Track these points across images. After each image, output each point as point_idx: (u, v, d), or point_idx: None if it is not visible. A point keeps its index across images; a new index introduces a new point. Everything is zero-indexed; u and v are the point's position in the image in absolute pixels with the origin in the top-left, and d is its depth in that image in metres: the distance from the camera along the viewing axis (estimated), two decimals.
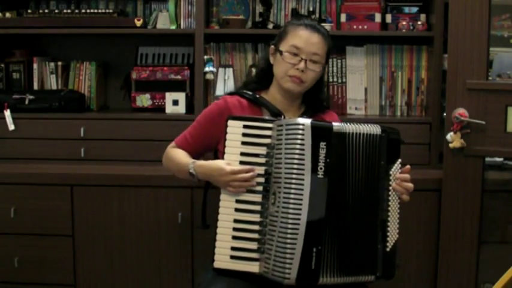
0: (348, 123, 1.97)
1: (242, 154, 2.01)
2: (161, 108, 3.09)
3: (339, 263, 1.93)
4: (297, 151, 1.88)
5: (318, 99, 2.26)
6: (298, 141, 1.88)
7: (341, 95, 3.08)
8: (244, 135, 2.01)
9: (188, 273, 2.85)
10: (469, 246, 2.71)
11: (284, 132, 1.93)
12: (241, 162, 2.00)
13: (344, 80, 3.08)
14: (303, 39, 2.13)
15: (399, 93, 3.07)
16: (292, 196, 1.88)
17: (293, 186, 1.88)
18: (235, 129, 2.02)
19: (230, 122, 2.03)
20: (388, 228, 1.99)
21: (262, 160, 1.99)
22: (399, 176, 2.01)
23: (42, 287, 2.89)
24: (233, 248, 1.98)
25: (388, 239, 1.99)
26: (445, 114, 2.71)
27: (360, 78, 3.07)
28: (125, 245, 2.86)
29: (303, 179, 1.88)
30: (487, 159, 2.79)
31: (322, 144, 1.89)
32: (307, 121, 1.90)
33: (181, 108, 3.04)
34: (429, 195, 2.79)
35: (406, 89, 3.06)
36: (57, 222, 2.85)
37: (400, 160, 2.02)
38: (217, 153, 2.21)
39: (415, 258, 2.82)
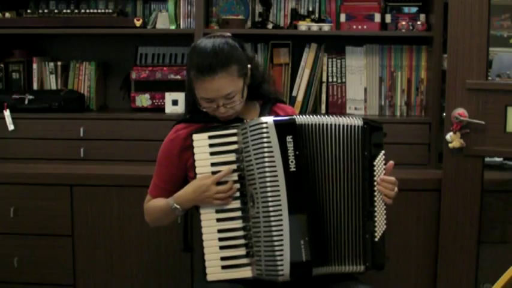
0: (317, 116, 1.97)
1: (213, 165, 2.02)
2: (161, 108, 3.09)
3: (329, 252, 1.96)
4: (266, 149, 1.91)
5: (264, 91, 2.19)
6: (265, 140, 1.91)
7: (340, 95, 3.08)
8: (211, 145, 2.02)
9: (187, 273, 2.85)
10: (468, 246, 2.71)
11: (249, 134, 1.94)
12: (214, 173, 2.01)
13: (343, 80, 3.08)
14: (209, 91, 2.01)
15: (399, 93, 3.07)
16: (269, 194, 1.91)
17: (268, 184, 1.91)
18: (201, 142, 2.02)
19: (195, 136, 2.02)
20: (376, 219, 2.01)
21: (234, 166, 2.00)
22: (382, 177, 2.03)
23: (41, 287, 2.89)
24: (222, 258, 1.99)
25: (376, 229, 2.01)
26: (444, 114, 2.71)
27: (359, 78, 3.07)
28: (124, 245, 2.86)
29: (276, 175, 1.91)
30: (487, 159, 2.79)
31: (289, 138, 1.92)
32: (269, 119, 1.93)
33: (180, 108, 3.03)
34: (429, 195, 2.78)
35: (405, 89, 3.06)
36: (56, 222, 2.85)
37: (383, 152, 2.03)
38: (189, 181, 2.15)
39: (414, 258, 2.82)
